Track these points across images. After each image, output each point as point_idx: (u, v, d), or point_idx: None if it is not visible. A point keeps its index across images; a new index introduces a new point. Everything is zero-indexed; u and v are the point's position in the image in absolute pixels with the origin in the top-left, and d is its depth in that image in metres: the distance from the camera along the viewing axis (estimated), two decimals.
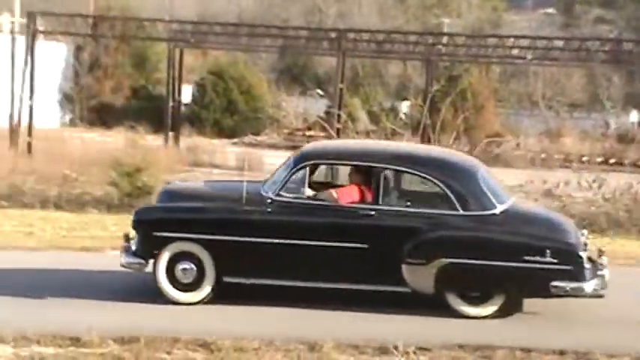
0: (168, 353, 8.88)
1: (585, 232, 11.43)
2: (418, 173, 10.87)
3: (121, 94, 43.99)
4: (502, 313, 10.52)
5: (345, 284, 10.63)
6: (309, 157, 11.07)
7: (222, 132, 40.54)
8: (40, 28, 30.13)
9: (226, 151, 31.16)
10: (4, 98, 29.57)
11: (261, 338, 9.20)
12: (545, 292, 10.39)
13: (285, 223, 10.63)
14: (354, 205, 10.69)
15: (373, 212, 10.57)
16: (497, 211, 10.59)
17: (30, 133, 27.97)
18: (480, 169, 11.16)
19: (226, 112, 42.53)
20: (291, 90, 44.38)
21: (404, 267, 10.39)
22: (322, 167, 11.47)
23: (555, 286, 10.28)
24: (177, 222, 10.82)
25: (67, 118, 43.08)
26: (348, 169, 11.21)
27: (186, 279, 10.62)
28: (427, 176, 10.77)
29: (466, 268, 10.35)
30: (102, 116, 41.07)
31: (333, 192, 10.87)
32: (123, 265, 10.91)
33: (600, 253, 10.92)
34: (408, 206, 10.69)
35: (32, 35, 29.03)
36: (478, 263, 10.35)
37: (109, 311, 10.25)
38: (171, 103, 31.02)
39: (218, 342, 9.04)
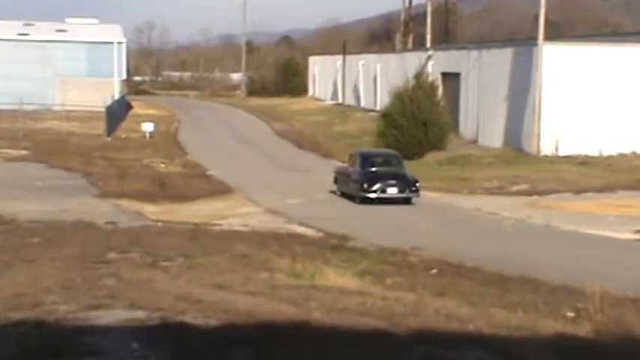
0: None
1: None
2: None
3: None
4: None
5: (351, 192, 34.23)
6: (353, 154, 36.35)
7: None
8: None
9: None
10: None
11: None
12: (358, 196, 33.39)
13: (346, 174, 35.07)
14: (350, 168, 34.84)
15: (351, 169, 34.65)
16: (370, 170, 34.08)
17: None
18: (374, 156, 36.08)
19: None
20: None
21: (349, 184, 34.56)
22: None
23: (359, 194, 33.32)
24: (336, 172, 36.33)
25: None
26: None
27: (338, 190, 35.51)
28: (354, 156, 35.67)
29: (344, 190, 35.10)
30: None
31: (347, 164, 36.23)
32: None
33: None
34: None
35: None
36: (347, 185, 34.64)
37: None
38: None
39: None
